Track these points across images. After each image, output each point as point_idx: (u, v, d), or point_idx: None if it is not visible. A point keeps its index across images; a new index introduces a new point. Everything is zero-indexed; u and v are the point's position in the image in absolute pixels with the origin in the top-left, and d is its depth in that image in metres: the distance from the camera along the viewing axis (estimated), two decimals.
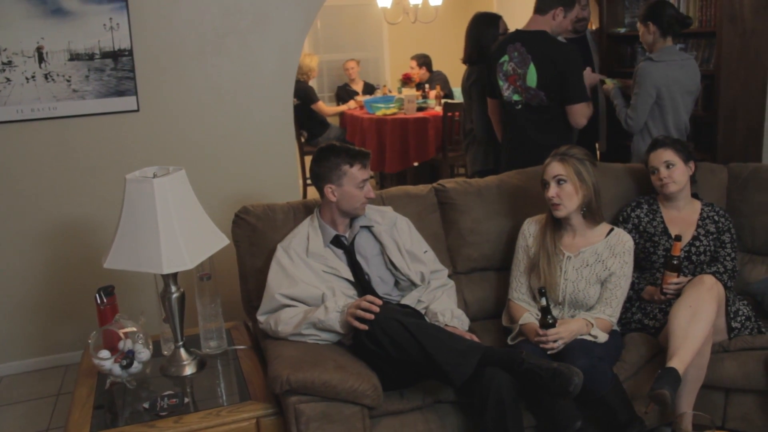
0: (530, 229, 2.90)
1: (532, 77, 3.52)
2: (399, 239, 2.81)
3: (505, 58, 3.61)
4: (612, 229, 2.82)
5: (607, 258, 2.74)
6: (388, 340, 2.36)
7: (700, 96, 3.87)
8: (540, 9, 3.57)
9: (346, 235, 2.78)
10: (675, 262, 2.78)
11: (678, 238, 2.80)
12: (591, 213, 2.77)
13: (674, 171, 2.93)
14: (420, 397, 2.51)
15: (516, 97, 3.62)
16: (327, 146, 2.75)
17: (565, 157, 2.73)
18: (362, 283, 2.72)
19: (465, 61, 4.24)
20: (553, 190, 2.72)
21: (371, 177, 7.39)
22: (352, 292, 2.69)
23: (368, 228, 2.82)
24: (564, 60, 3.49)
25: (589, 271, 2.75)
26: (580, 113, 3.52)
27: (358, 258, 2.76)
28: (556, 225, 2.82)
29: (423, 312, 2.74)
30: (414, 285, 2.79)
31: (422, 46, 7.68)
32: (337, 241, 2.76)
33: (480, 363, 2.35)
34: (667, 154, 2.94)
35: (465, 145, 4.47)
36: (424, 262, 2.82)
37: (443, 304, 2.77)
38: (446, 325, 2.64)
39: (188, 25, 3.69)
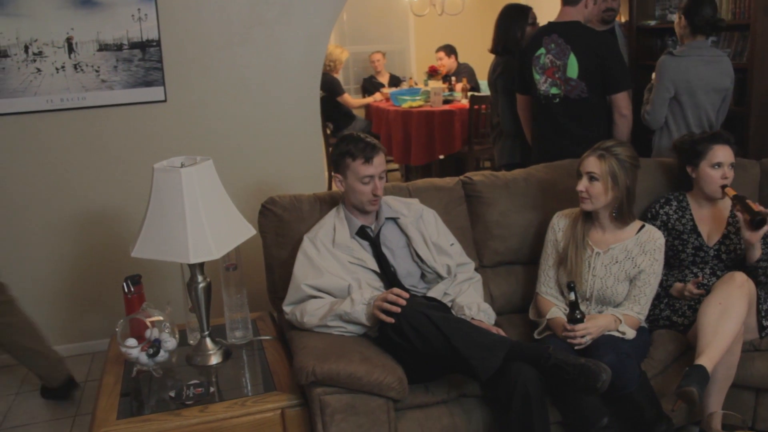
0: (560, 223, 2.87)
1: (572, 68, 3.48)
2: (425, 231, 2.79)
3: (542, 50, 3.56)
4: (643, 226, 2.77)
5: (637, 255, 2.70)
6: (415, 333, 2.35)
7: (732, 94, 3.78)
8: (569, 0, 3.53)
9: (372, 226, 2.78)
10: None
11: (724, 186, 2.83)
12: (621, 216, 2.72)
13: (732, 172, 2.88)
14: (445, 391, 2.50)
15: (554, 90, 3.56)
16: (346, 135, 2.75)
17: (605, 155, 2.66)
18: (388, 275, 2.71)
19: (492, 50, 4.21)
20: (582, 185, 2.68)
21: (394, 170, 7.36)
22: (379, 283, 2.68)
23: (394, 220, 2.80)
24: (605, 49, 3.46)
25: (619, 268, 2.71)
26: (626, 102, 3.48)
27: (384, 250, 2.75)
28: (587, 219, 2.79)
29: (449, 305, 2.73)
30: (440, 277, 2.77)
31: (449, 38, 7.62)
32: (362, 233, 2.75)
33: (506, 357, 2.33)
34: (732, 155, 2.87)
35: (492, 138, 4.44)
36: (450, 255, 2.80)
37: (470, 298, 2.75)
38: (473, 318, 2.62)
39: (216, 16, 3.70)
